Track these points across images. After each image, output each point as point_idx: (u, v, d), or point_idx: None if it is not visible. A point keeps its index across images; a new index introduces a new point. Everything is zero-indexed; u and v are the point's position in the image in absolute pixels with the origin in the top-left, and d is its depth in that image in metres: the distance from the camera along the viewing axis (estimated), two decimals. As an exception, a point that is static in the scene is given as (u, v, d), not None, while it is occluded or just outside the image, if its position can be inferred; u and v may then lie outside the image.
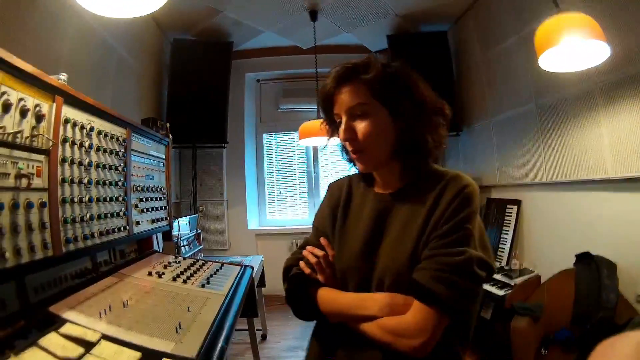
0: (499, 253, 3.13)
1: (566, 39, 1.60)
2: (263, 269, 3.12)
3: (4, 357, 0.75)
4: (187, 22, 3.72)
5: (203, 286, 1.47)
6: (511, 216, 3.15)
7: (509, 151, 3.20)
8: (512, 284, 2.67)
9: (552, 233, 2.75)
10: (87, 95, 1.30)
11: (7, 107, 0.91)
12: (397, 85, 0.87)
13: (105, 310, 1.07)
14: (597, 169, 2.29)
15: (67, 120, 1.18)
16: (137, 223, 1.67)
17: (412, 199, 0.90)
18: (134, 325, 1.02)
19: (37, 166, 1.03)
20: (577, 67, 1.83)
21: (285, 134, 4.90)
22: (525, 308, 2.34)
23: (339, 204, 1.01)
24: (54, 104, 1.11)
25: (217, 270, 1.74)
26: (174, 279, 1.47)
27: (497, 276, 2.79)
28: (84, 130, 1.28)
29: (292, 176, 4.92)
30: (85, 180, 1.25)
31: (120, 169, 1.52)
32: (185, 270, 1.60)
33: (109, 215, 1.40)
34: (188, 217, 3.04)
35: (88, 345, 0.87)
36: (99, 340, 0.90)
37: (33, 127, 1.02)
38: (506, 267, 2.99)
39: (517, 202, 3.13)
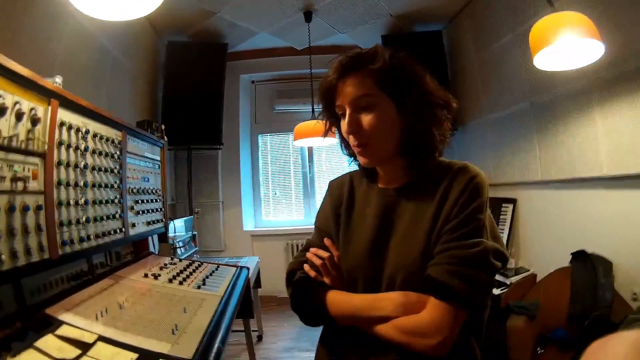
0: (494, 252, 3.13)
1: (561, 37, 1.61)
2: (259, 270, 3.12)
3: (1, 359, 0.75)
4: (182, 23, 3.71)
5: (199, 287, 1.46)
6: (506, 215, 3.16)
7: (504, 150, 3.21)
8: (508, 283, 2.68)
9: (548, 231, 2.76)
10: (83, 97, 1.30)
11: (2, 110, 0.91)
12: (405, 77, 0.83)
13: (101, 312, 1.07)
14: (592, 167, 2.28)
15: (62, 124, 1.18)
16: (133, 225, 1.67)
17: (420, 192, 0.86)
18: (131, 326, 1.02)
19: (33, 169, 1.03)
20: (572, 66, 1.84)
21: (280, 135, 4.90)
22: (521, 307, 2.34)
23: (341, 202, 0.97)
24: (50, 107, 1.11)
25: (213, 272, 1.74)
26: (170, 281, 1.47)
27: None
28: (80, 133, 1.28)
29: (288, 177, 4.92)
30: (81, 183, 1.25)
31: (115, 171, 1.52)
32: (181, 271, 1.60)
33: (104, 217, 1.40)
34: (184, 218, 3.04)
35: (84, 347, 0.87)
36: (96, 341, 0.90)
37: (28, 131, 1.02)
38: (502, 266, 3.00)
39: (513, 201, 3.14)
